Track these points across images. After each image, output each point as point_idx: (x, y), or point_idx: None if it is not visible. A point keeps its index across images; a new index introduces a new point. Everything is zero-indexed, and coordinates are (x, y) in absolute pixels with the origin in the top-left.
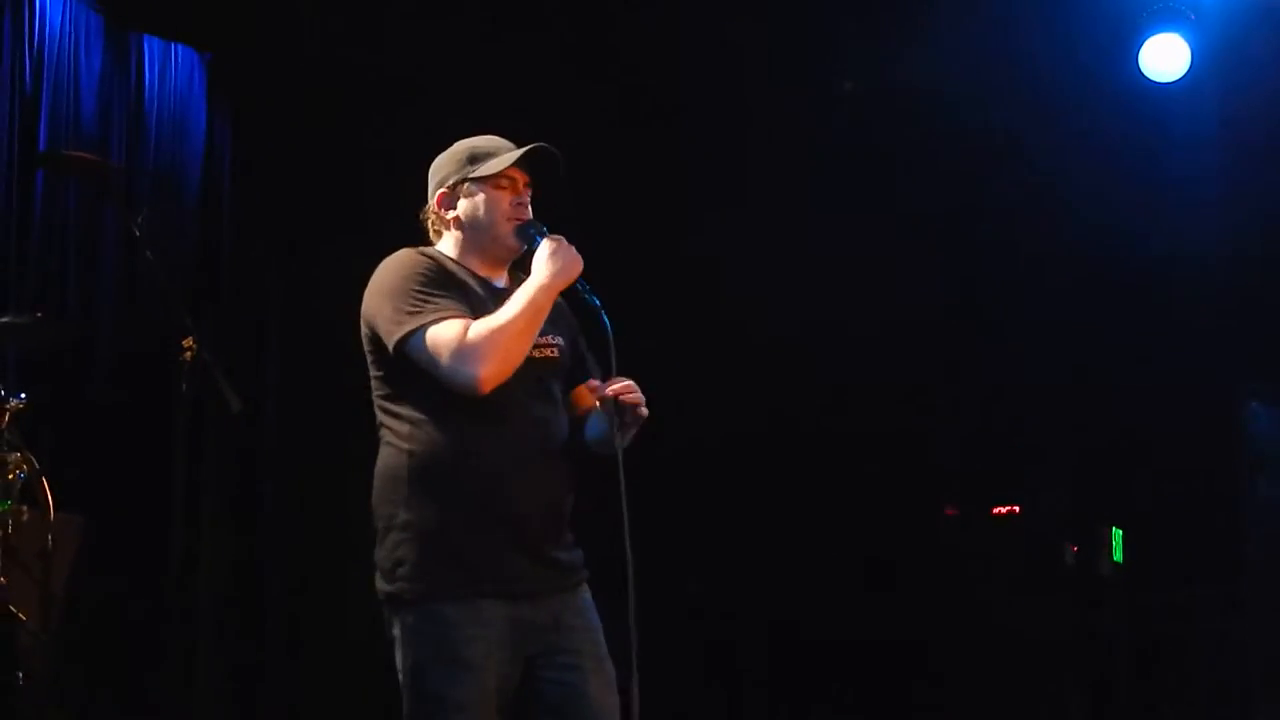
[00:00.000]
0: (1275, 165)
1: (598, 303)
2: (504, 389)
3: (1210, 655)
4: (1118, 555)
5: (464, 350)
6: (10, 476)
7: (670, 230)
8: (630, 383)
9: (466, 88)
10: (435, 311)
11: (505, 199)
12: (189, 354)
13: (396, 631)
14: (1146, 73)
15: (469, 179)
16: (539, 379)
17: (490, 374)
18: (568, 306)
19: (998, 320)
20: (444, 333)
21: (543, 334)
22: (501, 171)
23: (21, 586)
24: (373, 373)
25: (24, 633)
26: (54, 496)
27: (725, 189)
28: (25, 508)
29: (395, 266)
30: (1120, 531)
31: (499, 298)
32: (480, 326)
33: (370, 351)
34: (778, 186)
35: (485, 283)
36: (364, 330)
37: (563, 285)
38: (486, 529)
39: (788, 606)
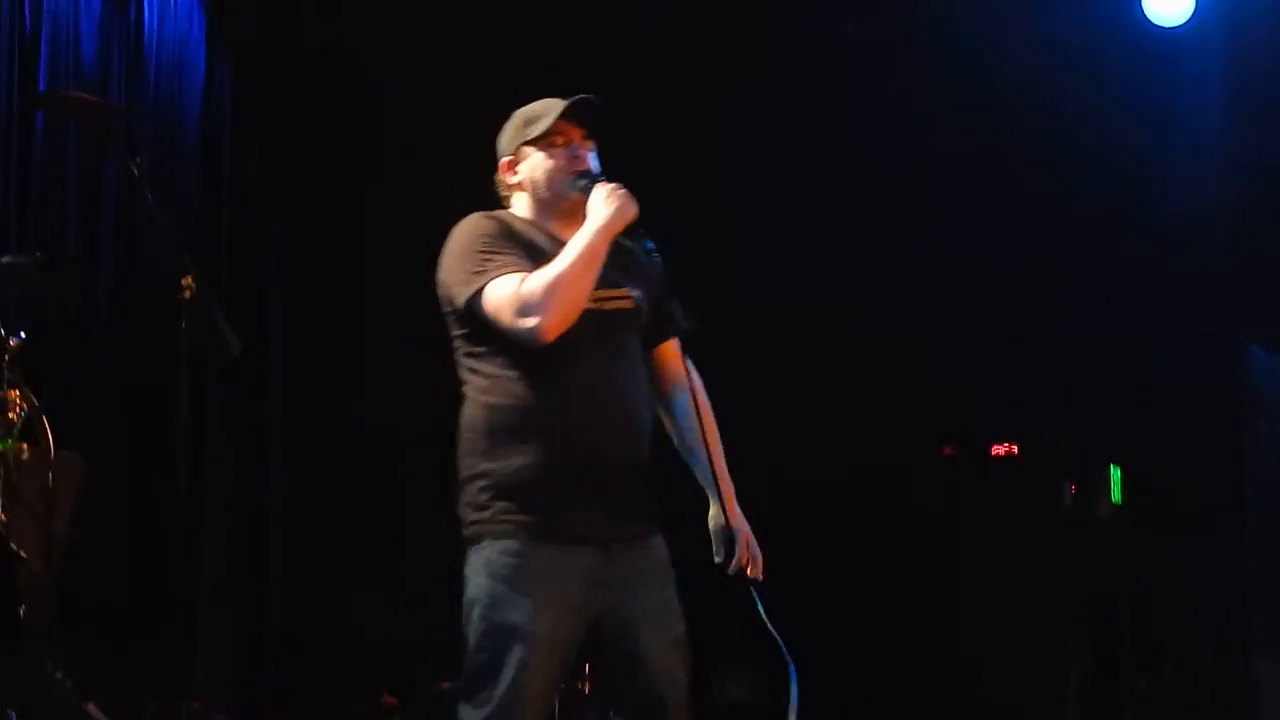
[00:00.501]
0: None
1: (651, 245)
2: (576, 341)
3: (1209, 598)
4: (1116, 496)
5: (522, 301)
6: (11, 415)
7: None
8: (752, 552)
9: (468, 29)
10: (497, 269)
11: (560, 154)
12: (189, 294)
13: (469, 570)
14: (1150, 16)
15: (525, 142)
16: (612, 330)
17: (550, 322)
18: (645, 258)
19: (1000, 261)
20: (503, 287)
21: (615, 285)
22: (553, 128)
23: (22, 525)
24: (452, 332)
25: (25, 571)
26: (55, 435)
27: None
28: (26, 446)
29: (463, 230)
30: (1119, 471)
31: None
32: (536, 277)
33: (447, 313)
34: (782, 132)
35: (558, 240)
36: (440, 294)
37: (617, 228)
38: (559, 479)
39: (779, 545)
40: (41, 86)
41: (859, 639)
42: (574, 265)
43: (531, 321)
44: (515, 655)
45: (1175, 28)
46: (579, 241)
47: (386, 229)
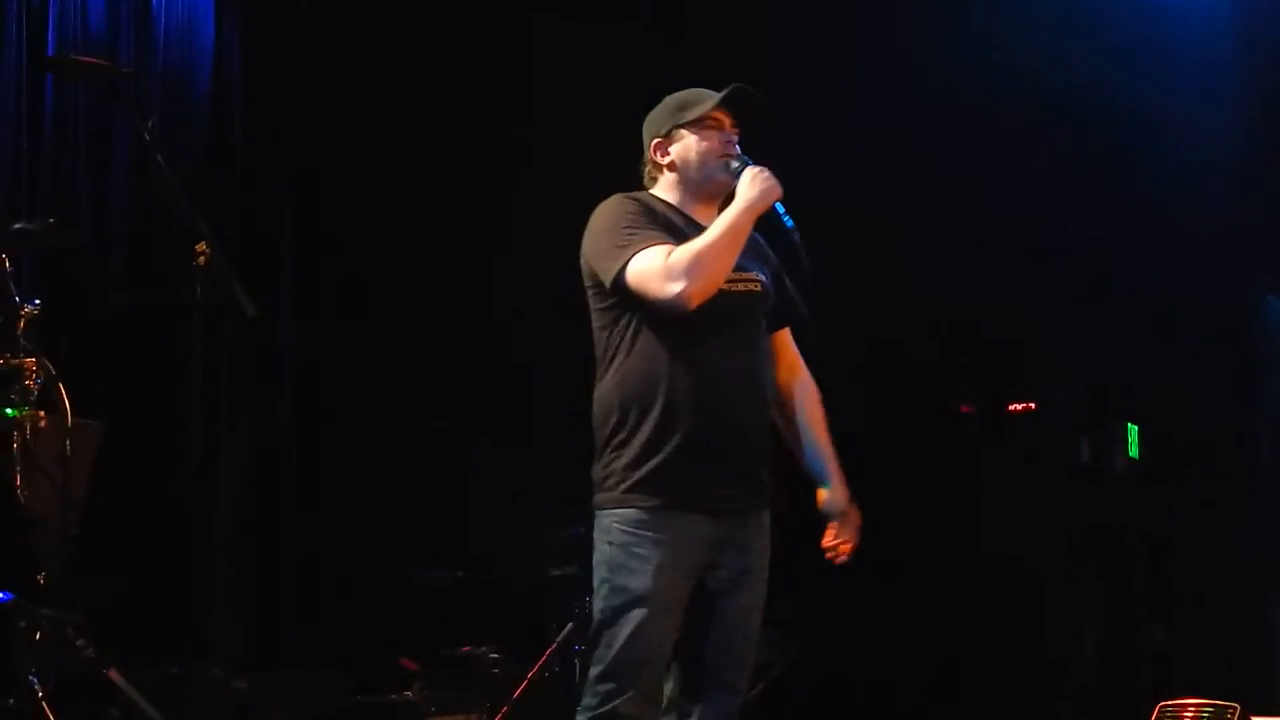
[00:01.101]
0: None
1: (791, 224)
2: (708, 319)
3: (1225, 549)
4: (1133, 451)
5: (670, 269)
6: (27, 382)
7: None
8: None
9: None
10: (641, 242)
11: (714, 138)
12: (203, 258)
13: (596, 535)
14: None
15: (680, 125)
16: (741, 310)
17: (695, 290)
18: (766, 244)
19: (1013, 219)
20: (650, 258)
21: (746, 269)
22: (708, 114)
23: (40, 492)
24: (592, 307)
25: (43, 537)
26: (71, 402)
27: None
28: (43, 413)
29: (606, 210)
30: (1136, 428)
31: None
32: (683, 248)
33: (590, 288)
34: (792, 83)
35: (694, 222)
36: (584, 270)
37: (762, 208)
38: (688, 451)
39: (796, 505)
40: (51, 51)
41: (878, 597)
42: (721, 238)
43: (677, 288)
44: (632, 617)
45: None
46: (726, 217)
47: (398, 191)
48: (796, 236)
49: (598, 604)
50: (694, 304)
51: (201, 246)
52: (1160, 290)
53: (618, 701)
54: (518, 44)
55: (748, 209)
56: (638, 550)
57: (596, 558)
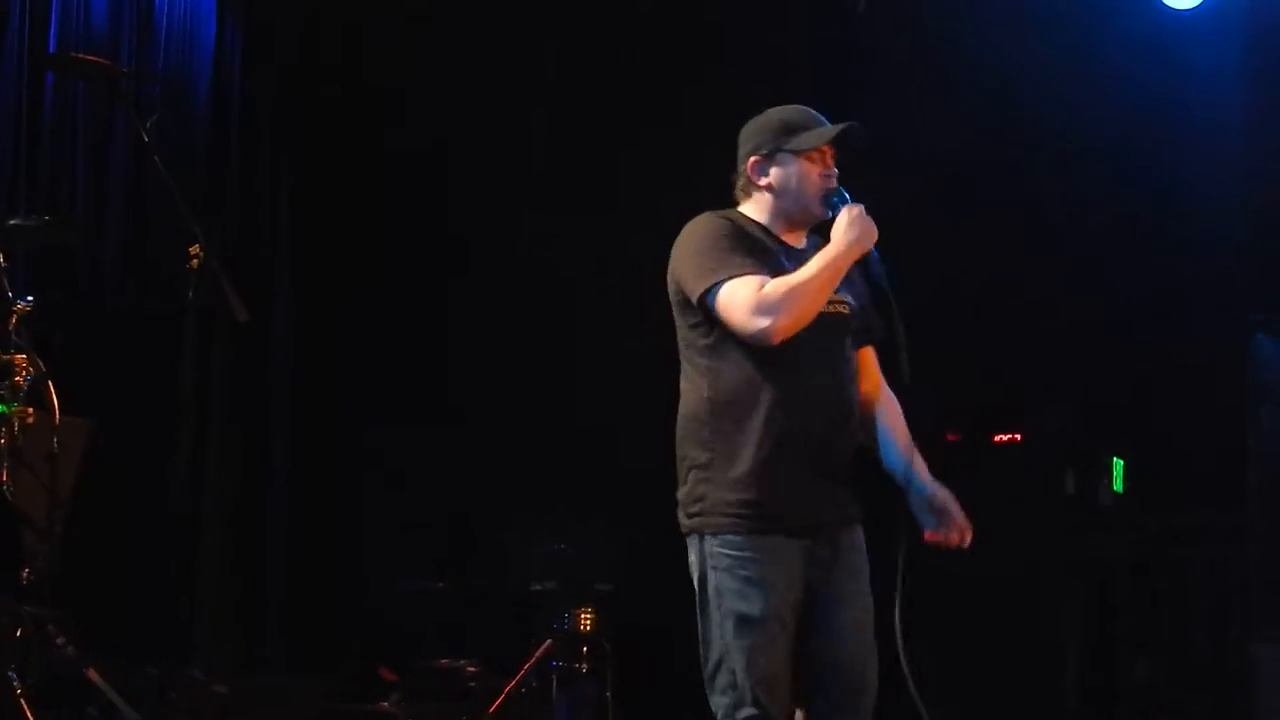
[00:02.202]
0: None
1: (880, 270)
2: (796, 340)
3: (1211, 583)
4: (1118, 485)
5: (761, 303)
6: (17, 379)
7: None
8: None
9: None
10: (735, 268)
11: (816, 170)
12: (196, 261)
13: (694, 558)
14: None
15: (783, 149)
16: (831, 332)
17: (784, 325)
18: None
19: (1005, 245)
20: (742, 287)
21: (836, 292)
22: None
23: (27, 489)
24: (678, 323)
25: (29, 534)
26: (60, 400)
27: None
28: (32, 410)
29: (698, 228)
30: (1121, 462)
31: (795, 258)
32: (778, 283)
33: (676, 304)
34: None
35: (783, 244)
36: (671, 286)
37: (859, 252)
38: (780, 471)
39: None
40: (52, 48)
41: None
42: (816, 278)
43: (765, 322)
44: (748, 642)
45: (1188, 10)
46: (823, 258)
47: (398, 194)
48: (887, 284)
49: (713, 633)
50: (778, 339)
51: (195, 249)
52: (1150, 324)
53: None
54: (522, 44)
55: (847, 251)
56: (744, 573)
57: (699, 585)
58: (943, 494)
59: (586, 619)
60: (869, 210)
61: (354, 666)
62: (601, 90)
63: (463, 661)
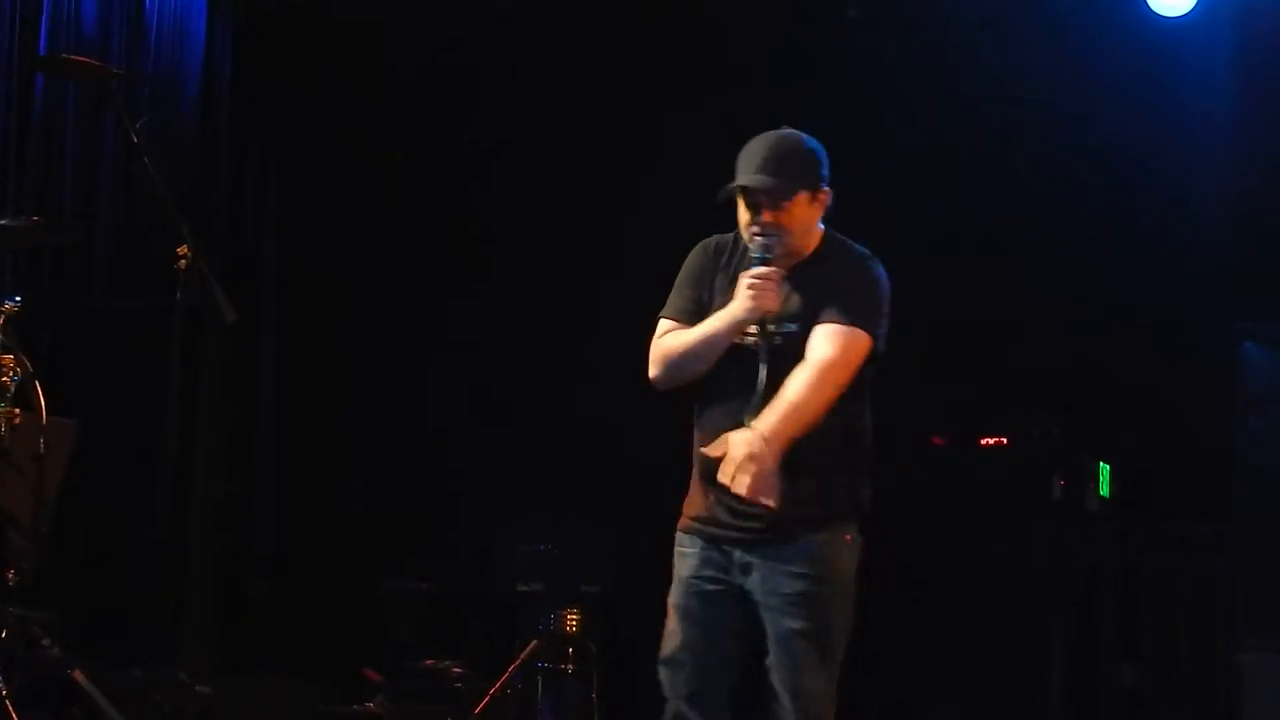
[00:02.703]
0: None
1: (765, 348)
2: (716, 371)
3: (1196, 591)
4: (1104, 490)
5: (653, 352)
6: (4, 379)
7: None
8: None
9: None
10: (673, 306)
11: (742, 214)
12: (184, 262)
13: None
14: (1153, 6)
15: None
16: (743, 365)
17: (657, 377)
18: (833, 277)
19: (994, 249)
20: (659, 328)
21: (774, 322)
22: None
23: (13, 489)
24: None
25: (14, 535)
26: (47, 400)
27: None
28: (18, 410)
29: (691, 251)
30: (1108, 466)
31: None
32: (666, 342)
33: None
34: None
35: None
36: None
37: (746, 323)
38: (705, 482)
39: None
40: (42, 50)
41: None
42: (695, 344)
43: (652, 371)
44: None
45: (1178, 18)
46: (708, 326)
47: (385, 197)
48: (763, 358)
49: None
50: (660, 388)
51: (184, 250)
52: (1139, 332)
53: None
54: (511, 47)
55: (729, 325)
56: (675, 565)
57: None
58: (724, 444)
59: (572, 620)
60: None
61: (339, 668)
62: (607, 84)
63: (448, 662)
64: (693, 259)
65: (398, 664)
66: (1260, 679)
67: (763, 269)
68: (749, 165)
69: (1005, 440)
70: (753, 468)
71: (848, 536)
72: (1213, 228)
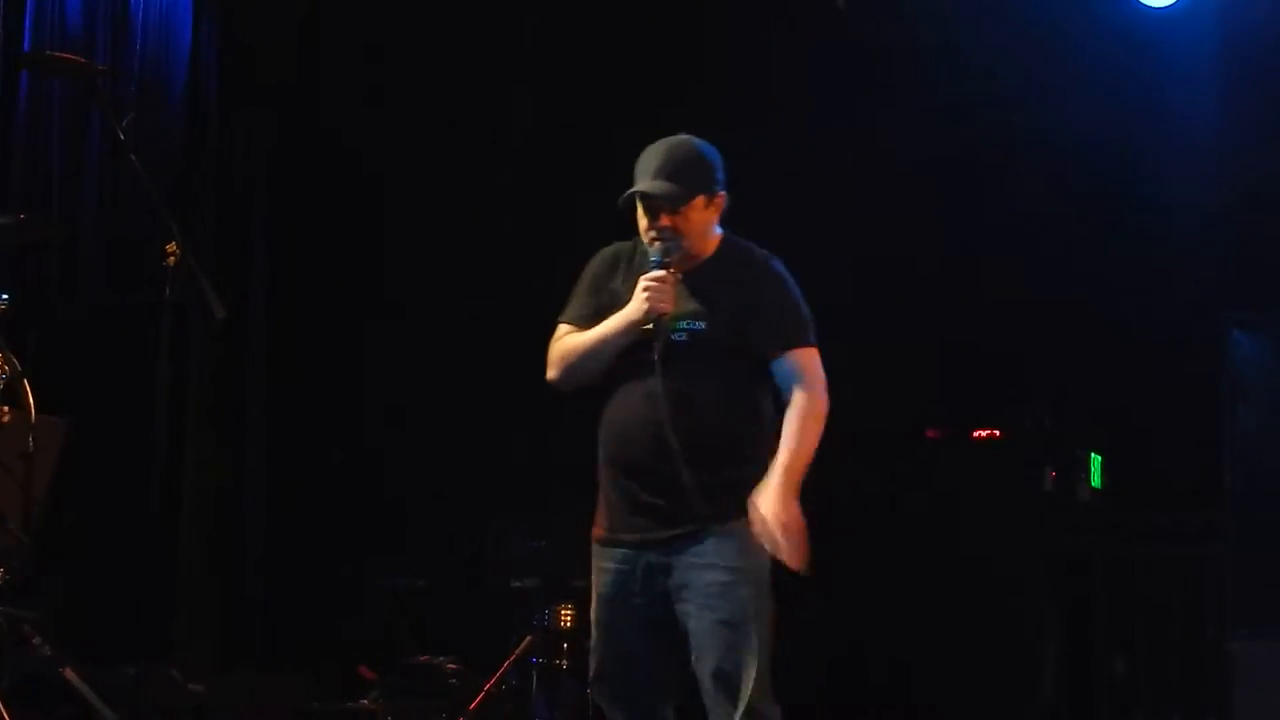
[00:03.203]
0: (1269, 92)
1: (660, 347)
2: (622, 368)
3: (1188, 580)
4: (1096, 481)
5: (550, 354)
6: None
7: None
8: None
9: None
10: (570, 312)
11: (641, 219)
12: (173, 259)
13: None
14: None
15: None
16: (640, 363)
17: (555, 379)
18: (735, 279)
19: (983, 242)
20: (557, 333)
21: (677, 318)
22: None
23: (3, 488)
24: None
25: (4, 533)
26: (36, 399)
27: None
28: (7, 409)
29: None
30: (1099, 457)
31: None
32: (563, 345)
33: None
34: (759, 115)
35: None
36: None
37: (640, 324)
38: (611, 487)
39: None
40: (26, 47)
41: (835, 623)
42: (590, 346)
43: (550, 373)
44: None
45: (1165, 8)
46: (603, 328)
47: (374, 192)
48: (656, 263)
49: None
50: (562, 389)
51: (172, 247)
52: (1129, 322)
53: None
54: (497, 41)
55: (625, 326)
56: (596, 580)
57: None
58: (757, 516)
59: (567, 615)
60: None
61: (333, 664)
62: (586, 76)
63: (442, 659)
64: (592, 266)
65: (392, 661)
66: (1251, 667)
67: (658, 272)
68: (646, 171)
69: (998, 433)
70: (795, 538)
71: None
72: (1201, 216)
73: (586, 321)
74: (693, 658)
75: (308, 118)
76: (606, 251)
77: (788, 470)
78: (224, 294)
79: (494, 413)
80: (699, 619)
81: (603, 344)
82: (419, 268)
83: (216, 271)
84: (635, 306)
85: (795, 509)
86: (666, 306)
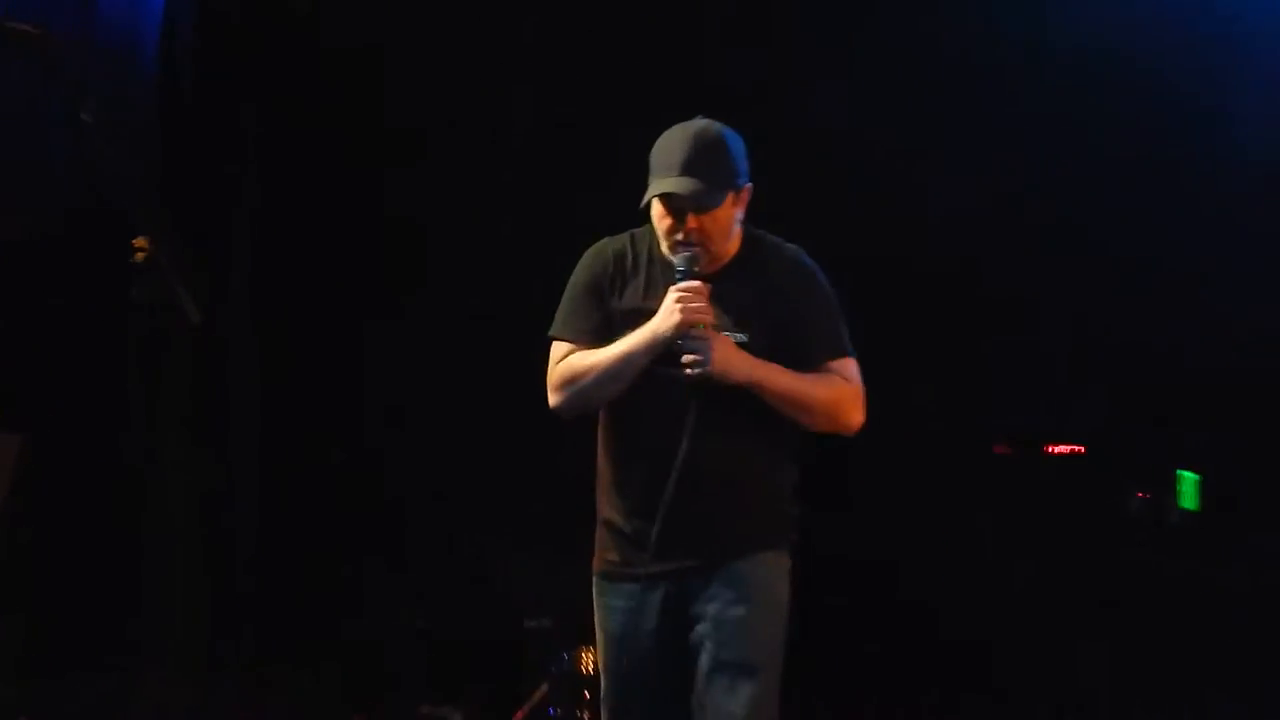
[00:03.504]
0: None
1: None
2: (637, 401)
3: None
4: (1188, 502)
5: (551, 378)
6: None
7: None
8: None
9: None
10: (566, 325)
11: (664, 224)
12: (142, 255)
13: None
14: None
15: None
16: (666, 389)
17: (561, 405)
18: (787, 281)
19: (1071, 232)
20: (555, 353)
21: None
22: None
23: None
24: None
25: None
26: None
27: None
28: None
29: (582, 259)
30: (1192, 476)
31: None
32: (571, 363)
33: None
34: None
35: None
36: None
37: (672, 340)
38: (620, 515)
39: (817, 552)
40: None
41: (891, 652)
42: (608, 368)
43: (553, 399)
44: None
45: None
46: (623, 346)
47: (362, 176)
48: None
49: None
50: (563, 417)
51: (141, 242)
52: (1226, 336)
53: None
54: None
55: (652, 343)
56: (601, 621)
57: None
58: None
59: (587, 659)
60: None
61: (331, 665)
62: (586, 76)
63: (446, 707)
64: (586, 270)
65: (390, 707)
66: None
67: (691, 282)
68: (670, 164)
69: (1076, 448)
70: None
71: (782, 560)
72: None
73: (590, 337)
74: (697, 690)
75: (299, 90)
76: (601, 251)
77: (768, 367)
78: (200, 295)
79: (494, 416)
80: (713, 654)
81: (625, 363)
82: (417, 268)
83: (195, 268)
84: (665, 320)
85: (730, 352)
86: (706, 317)
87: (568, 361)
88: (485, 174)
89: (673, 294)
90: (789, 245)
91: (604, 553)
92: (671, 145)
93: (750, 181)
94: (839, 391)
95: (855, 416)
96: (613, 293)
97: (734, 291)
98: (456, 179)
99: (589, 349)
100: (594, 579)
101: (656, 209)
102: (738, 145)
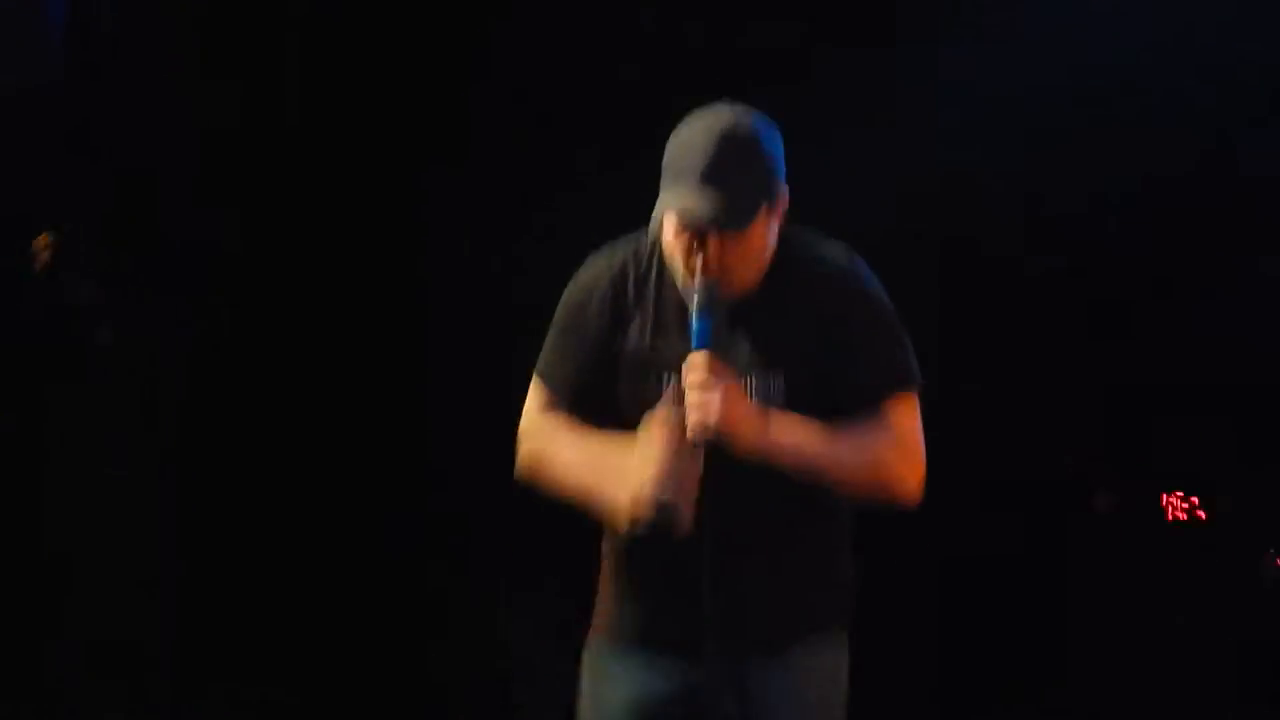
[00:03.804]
0: None
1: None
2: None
3: None
4: None
5: (522, 437)
6: None
7: None
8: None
9: None
10: (551, 360)
11: (678, 243)
12: (46, 253)
13: None
14: None
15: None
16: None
17: (524, 478)
18: (831, 301)
19: (1171, 247)
20: (531, 391)
21: (741, 371)
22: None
23: None
24: None
25: None
26: None
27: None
28: None
29: (571, 284)
30: None
31: (710, 314)
32: (540, 445)
33: None
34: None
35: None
36: None
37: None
38: (642, 581)
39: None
40: None
41: None
42: (568, 489)
43: (519, 464)
44: None
45: None
46: (590, 478)
47: (330, 160)
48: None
49: None
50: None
51: (44, 240)
52: None
53: None
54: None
55: (616, 498)
56: (590, 697)
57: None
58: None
59: None
60: None
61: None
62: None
63: None
64: (577, 306)
65: None
66: None
67: (702, 372)
68: (690, 170)
69: (1196, 501)
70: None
71: (841, 638)
72: None
73: (573, 393)
74: None
75: (238, 55)
76: (596, 279)
77: (789, 428)
78: (119, 301)
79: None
80: None
81: (588, 500)
82: (417, 266)
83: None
84: (671, 431)
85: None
86: (727, 425)
87: (533, 443)
88: (494, 167)
89: (689, 392)
90: (829, 246)
91: (612, 620)
92: (691, 143)
93: (786, 181)
94: (883, 455)
95: (908, 483)
96: (611, 332)
97: (764, 317)
98: (449, 172)
99: (571, 405)
100: (591, 645)
101: (670, 226)
102: (773, 140)
